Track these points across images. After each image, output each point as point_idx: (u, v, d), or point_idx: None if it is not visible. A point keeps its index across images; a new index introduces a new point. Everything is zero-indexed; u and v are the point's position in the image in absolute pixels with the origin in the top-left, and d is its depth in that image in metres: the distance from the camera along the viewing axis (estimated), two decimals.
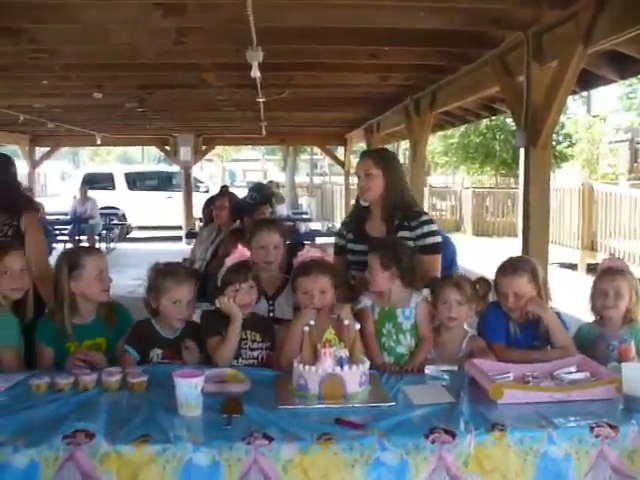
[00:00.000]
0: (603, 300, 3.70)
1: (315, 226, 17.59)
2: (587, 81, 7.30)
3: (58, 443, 2.48)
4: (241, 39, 5.83)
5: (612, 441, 2.66)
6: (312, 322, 3.13)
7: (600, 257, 13.71)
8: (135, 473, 2.45)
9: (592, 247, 14.38)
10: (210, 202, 7.60)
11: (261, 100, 9.57)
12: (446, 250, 5.11)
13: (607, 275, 3.76)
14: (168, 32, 6.19)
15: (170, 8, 5.49)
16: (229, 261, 3.66)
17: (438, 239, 4.31)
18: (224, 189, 9.48)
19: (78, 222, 16.43)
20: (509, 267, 3.77)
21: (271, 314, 4.03)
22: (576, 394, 2.97)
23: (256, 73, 6.18)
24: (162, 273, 3.71)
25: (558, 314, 3.77)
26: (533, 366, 3.28)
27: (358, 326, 3.12)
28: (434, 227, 4.31)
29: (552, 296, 3.81)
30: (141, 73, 8.30)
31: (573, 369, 3.25)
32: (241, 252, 3.69)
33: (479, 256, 12.94)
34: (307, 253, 3.74)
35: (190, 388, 2.74)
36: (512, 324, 3.72)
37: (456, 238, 20.32)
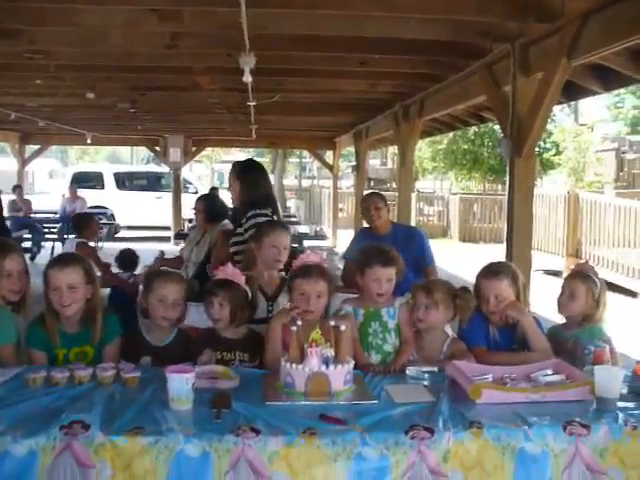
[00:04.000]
0: (560, 298, 3.94)
1: (303, 229, 17.69)
2: (573, 92, 7.49)
3: (55, 433, 2.60)
4: (234, 44, 5.94)
5: (585, 439, 2.79)
6: (299, 322, 3.26)
7: None
8: (128, 462, 2.57)
9: (577, 255, 14.56)
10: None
11: (252, 104, 9.69)
12: (414, 241, 5.78)
13: (571, 277, 4.01)
14: (162, 36, 6.29)
15: (166, 14, 5.61)
16: (218, 274, 3.86)
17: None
18: (212, 191, 9.58)
19: (67, 221, 16.47)
20: (490, 271, 3.92)
21: (270, 314, 4.16)
22: (551, 395, 3.11)
23: (248, 78, 6.30)
24: (152, 274, 3.94)
25: (536, 319, 3.92)
26: (511, 368, 3.41)
27: (343, 327, 3.24)
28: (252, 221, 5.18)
29: (530, 301, 3.97)
30: (134, 75, 8.42)
31: (550, 372, 3.38)
32: (232, 273, 3.84)
33: (465, 262, 13.06)
34: (307, 257, 3.88)
35: (182, 383, 2.86)
36: (491, 328, 3.86)
37: (443, 244, 20.63)
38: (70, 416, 2.69)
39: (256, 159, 7.41)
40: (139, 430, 2.63)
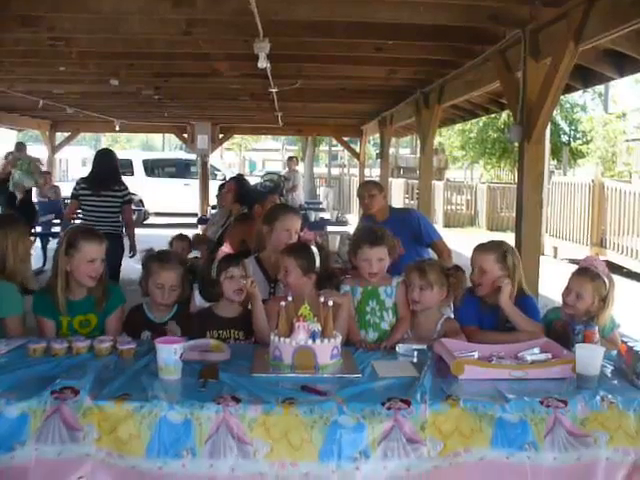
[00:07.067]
0: (566, 296, 3.85)
1: (325, 215, 17.76)
2: (588, 78, 7.48)
3: (46, 397, 2.74)
4: (249, 31, 6.04)
5: (564, 410, 2.85)
6: (289, 298, 3.36)
7: (609, 254, 13.82)
8: (114, 426, 2.70)
9: (601, 244, 14.45)
10: (222, 187, 8.10)
11: (273, 90, 9.77)
12: (409, 220, 5.88)
13: (578, 274, 3.87)
14: (178, 23, 6.39)
15: (179, 0, 5.71)
16: (221, 254, 3.95)
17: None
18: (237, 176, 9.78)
19: None
20: (481, 245, 4.05)
21: (271, 296, 4.25)
22: (534, 372, 3.16)
23: (263, 64, 6.40)
24: (150, 257, 4.02)
25: (531, 299, 4.00)
26: (499, 347, 3.47)
27: (331, 302, 3.33)
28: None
29: (524, 284, 4.03)
30: (155, 62, 8.53)
31: (537, 350, 3.42)
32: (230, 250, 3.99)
33: None
34: (304, 236, 4.01)
35: (170, 353, 2.98)
36: (483, 307, 3.92)
37: (470, 232, 20.54)
38: (62, 382, 2.84)
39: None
40: (126, 396, 2.77)
